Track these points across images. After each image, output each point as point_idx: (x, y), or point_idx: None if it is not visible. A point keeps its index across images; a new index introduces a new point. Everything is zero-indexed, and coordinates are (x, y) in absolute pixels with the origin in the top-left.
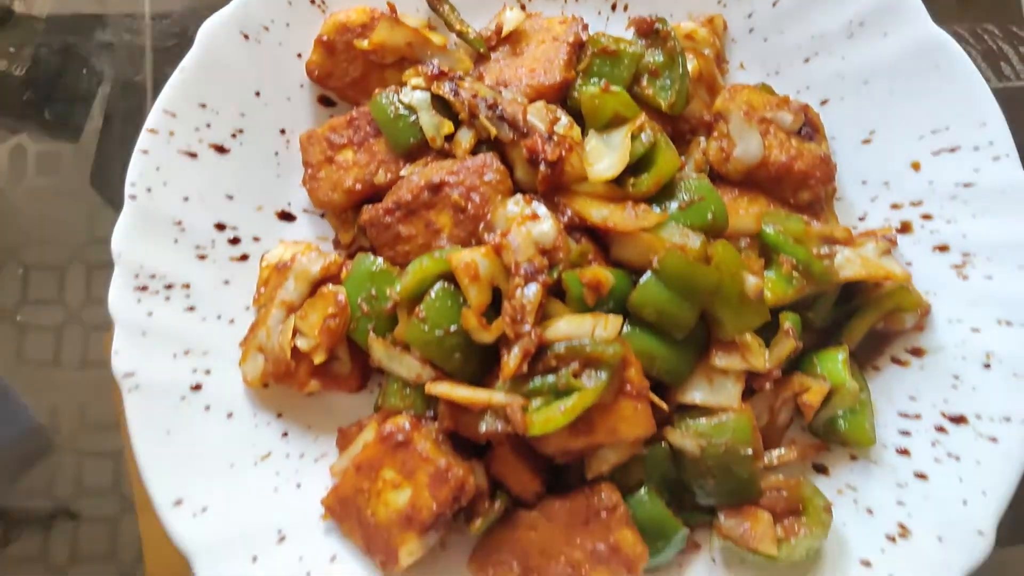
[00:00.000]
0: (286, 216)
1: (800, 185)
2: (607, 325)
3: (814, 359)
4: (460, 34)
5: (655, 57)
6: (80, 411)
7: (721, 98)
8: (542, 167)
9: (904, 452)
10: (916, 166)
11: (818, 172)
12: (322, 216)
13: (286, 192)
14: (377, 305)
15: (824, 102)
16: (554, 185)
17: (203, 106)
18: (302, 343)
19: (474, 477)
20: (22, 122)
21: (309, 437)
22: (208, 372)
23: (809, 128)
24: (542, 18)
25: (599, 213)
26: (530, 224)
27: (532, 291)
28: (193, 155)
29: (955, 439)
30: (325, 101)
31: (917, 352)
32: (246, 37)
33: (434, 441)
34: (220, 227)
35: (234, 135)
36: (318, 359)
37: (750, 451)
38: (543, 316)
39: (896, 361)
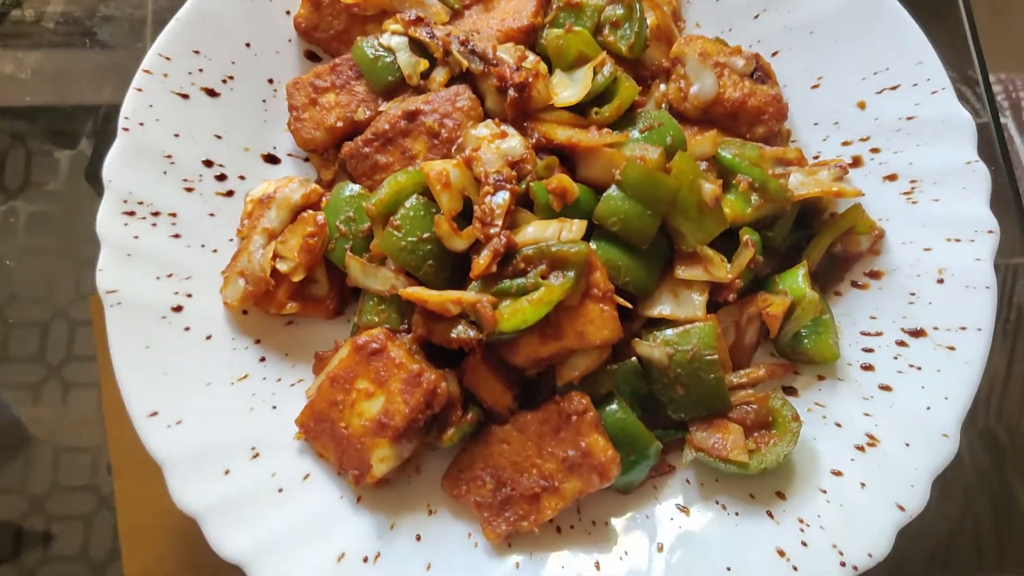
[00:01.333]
0: (271, 159)
1: (754, 121)
2: (572, 228)
3: (776, 279)
4: None
5: (616, 11)
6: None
7: (677, 44)
8: (511, 92)
9: (868, 368)
10: (862, 105)
11: (771, 108)
12: (306, 160)
13: (272, 136)
14: (354, 227)
15: (775, 53)
16: (522, 110)
17: (196, 52)
18: (282, 265)
19: (447, 384)
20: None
21: (287, 363)
22: (190, 296)
23: (761, 73)
24: None
25: (564, 133)
26: (499, 141)
27: (501, 197)
28: (185, 96)
29: (915, 351)
30: (311, 56)
31: (875, 275)
32: None
33: (408, 350)
34: (208, 163)
35: (224, 81)
36: (296, 277)
37: (715, 356)
38: (512, 224)
39: (856, 285)
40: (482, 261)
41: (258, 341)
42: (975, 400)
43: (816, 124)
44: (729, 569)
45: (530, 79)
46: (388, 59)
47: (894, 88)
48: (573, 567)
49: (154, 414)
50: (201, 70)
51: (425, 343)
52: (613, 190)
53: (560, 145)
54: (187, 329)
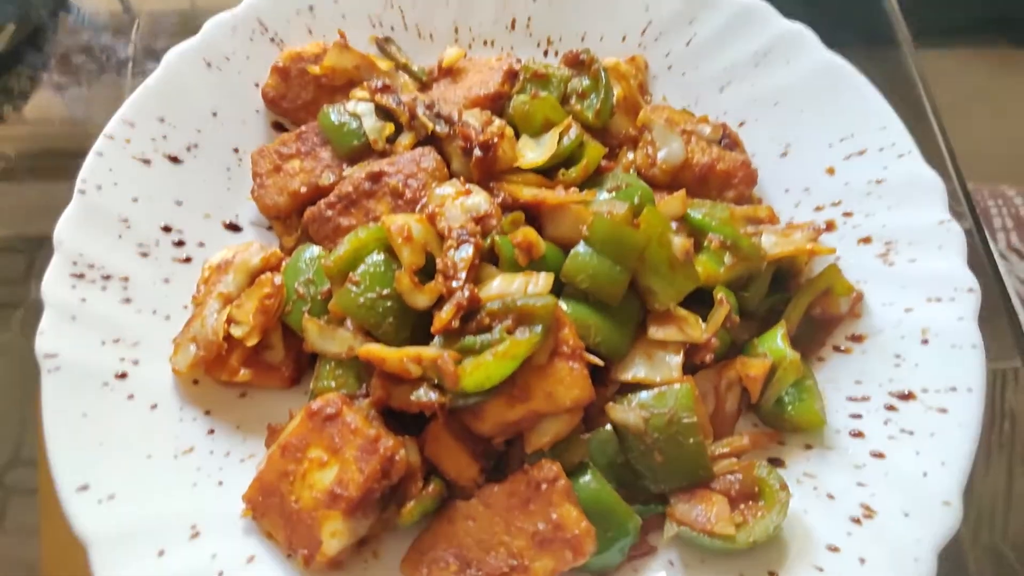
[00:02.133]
0: (233, 227)
1: (724, 186)
2: (539, 281)
3: (755, 342)
4: (404, 67)
5: (582, 82)
6: None
7: (643, 112)
8: (476, 152)
9: (858, 434)
10: (831, 171)
11: (740, 172)
12: (269, 229)
13: (235, 205)
14: (313, 289)
15: (741, 124)
16: (488, 170)
17: (161, 120)
18: (236, 330)
19: (406, 452)
20: None
21: (238, 437)
22: (136, 363)
23: (729, 140)
24: (480, 59)
25: (530, 191)
26: (463, 198)
27: (465, 250)
28: (147, 162)
29: (905, 415)
30: (278, 127)
31: (857, 339)
32: (208, 65)
33: (365, 416)
34: (166, 229)
35: (188, 148)
36: (251, 341)
37: (694, 418)
38: (476, 280)
39: (838, 350)
40: (444, 315)
41: (208, 412)
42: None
43: (787, 191)
44: None
45: (495, 139)
46: (354, 125)
47: (861, 153)
48: None
49: (84, 487)
50: (165, 137)
51: (384, 409)
52: (581, 247)
53: (526, 204)
54: (131, 397)
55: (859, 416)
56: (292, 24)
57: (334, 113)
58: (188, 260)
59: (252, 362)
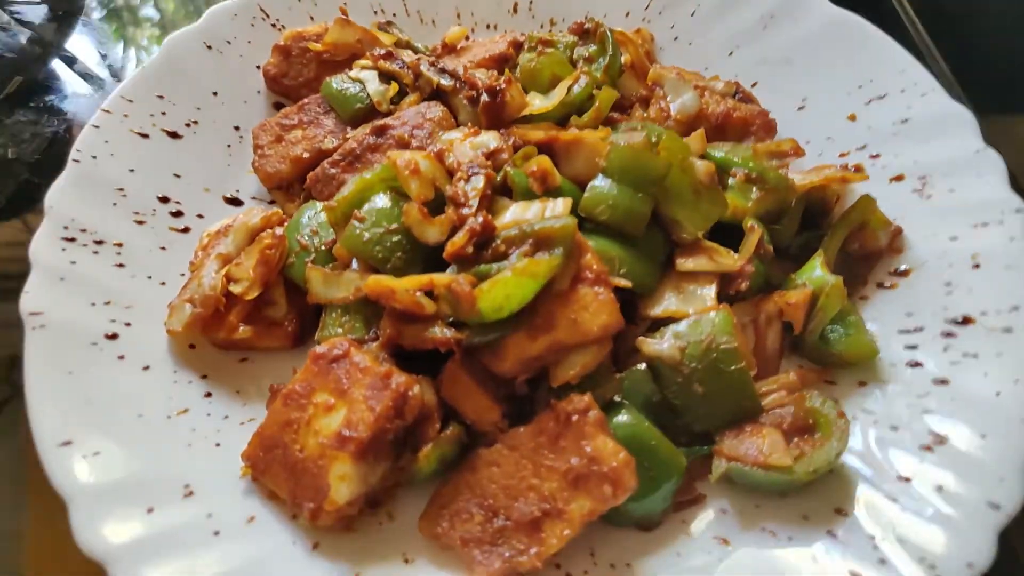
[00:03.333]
0: (233, 201)
1: (743, 134)
2: (556, 206)
3: (792, 277)
4: (407, 44)
5: (588, 48)
6: None
7: (653, 70)
8: (484, 97)
9: (916, 364)
10: (852, 117)
11: (759, 120)
12: (271, 203)
13: (235, 180)
14: (317, 240)
15: (754, 84)
16: (496, 116)
17: (160, 97)
18: (236, 288)
19: (421, 390)
20: None
21: (237, 401)
22: (129, 325)
23: (742, 95)
24: (483, 40)
25: (542, 132)
26: (472, 138)
27: (477, 180)
28: (145, 135)
29: (966, 340)
30: (280, 108)
31: (902, 273)
32: (209, 47)
33: (375, 356)
34: (164, 200)
35: (188, 125)
36: (251, 294)
37: (735, 343)
38: (490, 211)
39: (882, 287)
40: (457, 239)
41: (205, 376)
42: None
43: (808, 142)
44: None
45: (503, 84)
46: (356, 89)
47: (882, 97)
48: None
49: (67, 443)
50: (164, 113)
51: (395, 350)
52: (599, 179)
53: (539, 143)
54: (121, 358)
55: (914, 347)
56: (293, 11)
57: (336, 82)
58: (186, 230)
59: (253, 320)
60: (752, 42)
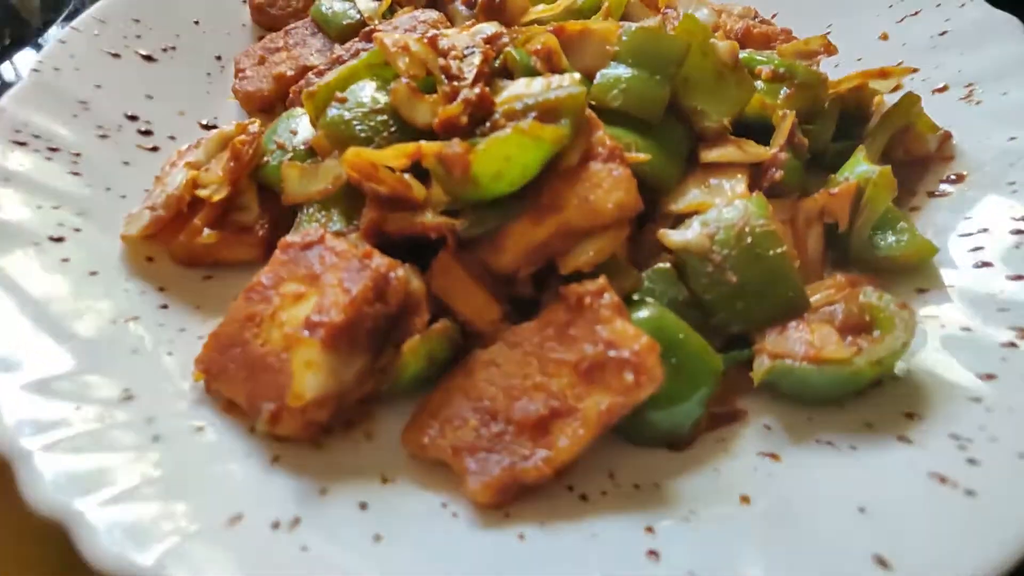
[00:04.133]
0: (211, 127)
1: (765, 48)
2: (564, 80)
3: (832, 177)
4: None
5: None
6: None
7: None
8: None
9: (986, 264)
10: (884, 36)
11: (781, 36)
12: None
13: (214, 108)
14: (296, 139)
15: (774, 16)
16: (495, 18)
17: (136, 21)
18: (203, 192)
19: (406, 275)
20: None
21: (196, 316)
22: (78, 231)
23: (762, 21)
24: None
25: (549, 27)
26: (471, 30)
27: (474, 57)
28: (116, 55)
29: None
30: None
31: (956, 179)
32: None
33: (354, 245)
34: (132, 118)
35: (165, 49)
36: (220, 194)
37: (772, 225)
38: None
39: (933, 195)
40: (451, 107)
41: (162, 289)
42: None
43: (836, 66)
44: (863, 510)
45: None
46: (347, 7)
47: (915, 14)
48: (611, 535)
49: None
50: (139, 36)
51: (379, 240)
52: (611, 65)
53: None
54: (65, 260)
55: (980, 248)
56: None
57: (326, 4)
58: (155, 149)
59: (220, 223)
60: None
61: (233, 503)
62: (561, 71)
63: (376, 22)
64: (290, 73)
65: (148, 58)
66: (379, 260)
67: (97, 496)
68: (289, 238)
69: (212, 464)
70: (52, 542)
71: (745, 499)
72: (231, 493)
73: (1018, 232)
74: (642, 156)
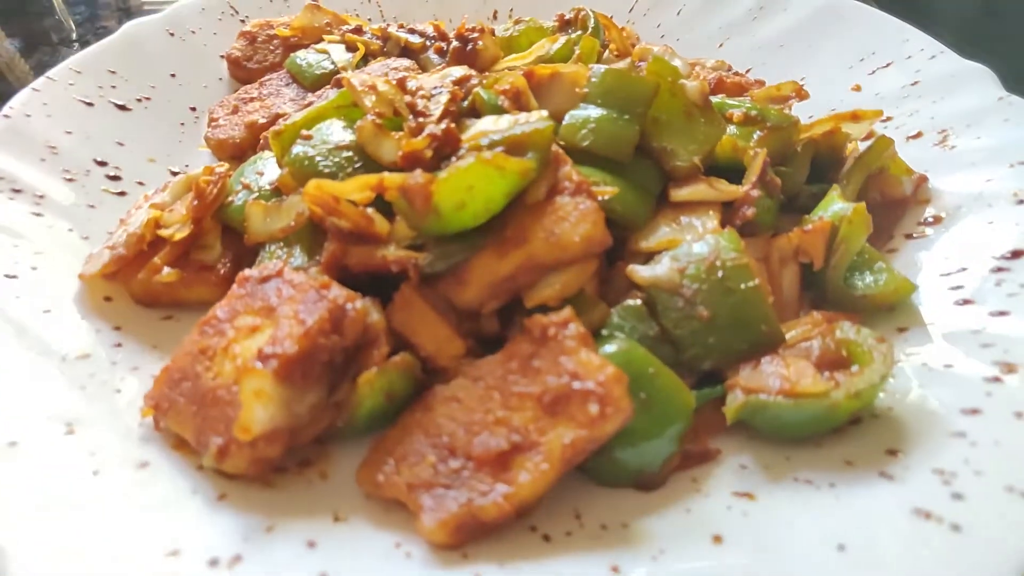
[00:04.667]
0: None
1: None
2: (531, 117)
3: (805, 218)
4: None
5: (571, 35)
6: None
7: (639, 47)
8: (454, 43)
9: (967, 302)
10: (857, 88)
11: (754, 85)
12: None
13: (186, 156)
14: (262, 180)
15: (748, 70)
16: (467, 60)
17: (112, 72)
18: (165, 232)
19: (365, 308)
20: None
21: (153, 355)
22: (34, 268)
23: (736, 74)
24: None
25: (518, 72)
26: (441, 73)
27: (441, 96)
28: (90, 104)
29: (1021, 272)
30: None
31: (934, 221)
32: (171, 34)
33: (312, 276)
34: (101, 163)
35: (139, 100)
36: (182, 233)
37: (745, 260)
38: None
39: (911, 237)
40: (416, 140)
41: (118, 328)
42: None
43: (811, 116)
44: (842, 548)
45: (476, 33)
46: (322, 59)
47: (887, 66)
48: (575, 574)
49: None
50: (114, 87)
51: (340, 275)
52: (580, 107)
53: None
54: (17, 297)
55: (960, 287)
56: (264, 11)
57: (300, 56)
58: (123, 194)
59: (181, 263)
60: (742, 33)
61: (170, 538)
62: (529, 111)
63: (349, 72)
64: (262, 121)
65: (122, 107)
66: (337, 291)
67: (25, 526)
68: (247, 272)
69: (152, 499)
70: None
71: (718, 539)
72: (169, 528)
73: (999, 270)
74: (609, 189)
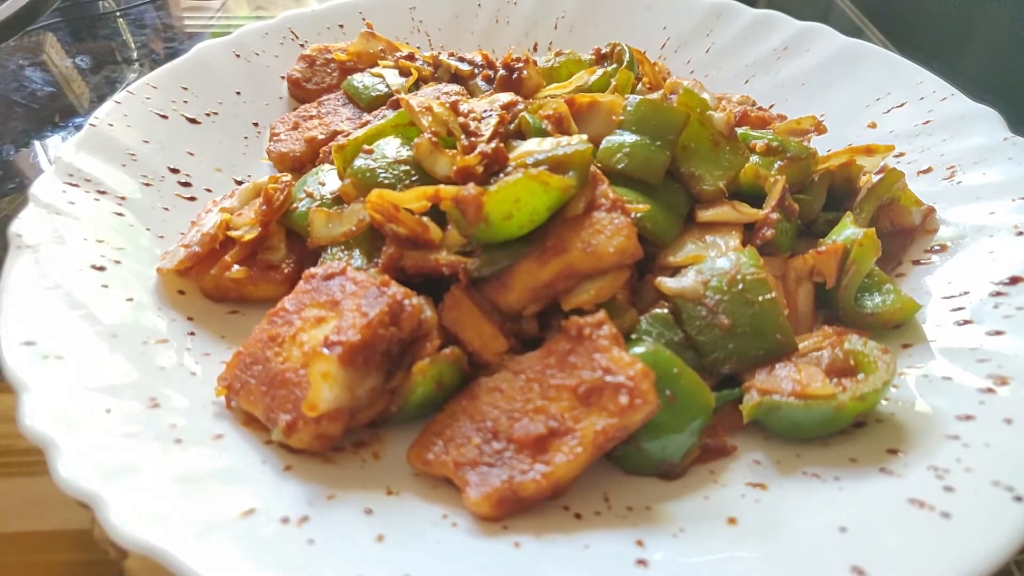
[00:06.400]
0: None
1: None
2: (572, 140)
3: (820, 241)
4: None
5: (607, 67)
6: None
7: (669, 81)
8: (500, 72)
9: (966, 322)
10: (873, 125)
11: (776, 119)
12: None
13: (249, 167)
14: (324, 189)
15: (771, 106)
16: (512, 91)
17: (184, 88)
18: (235, 233)
19: (420, 304)
20: None
21: (221, 344)
22: (118, 263)
23: (760, 109)
24: None
25: (559, 99)
26: (489, 98)
27: (491, 119)
28: (164, 116)
29: (1018, 295)
30: None
31: (940, 249)
32: (237, 56)
33: (372, 275)
34: (174, 170)
35: (208, 114)
36: (251, 234)
37: (763, 274)
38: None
39: (918, 263)
40: (468, 157)
41: (191, 319)
42: None
43: (829, 149)
44: (844, 529)
45: (522, 62)
46: (377, 82)
47: (901, 106)
48: (603, 547)
49: (29, 343)
50: (186, 102)
51: (396, 276)
52: (616, 132)
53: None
54: (104, 287)
55: (961, 308)
56: (322, 37)
57: (357, 78)
58: (193, 199)
59: (249, 263)
60: (767, 72)
61: (245, 499)
62: (570, 135)
63: (403, 94)
64: (321, 136)
65: (192, 120)
66: (396, 288)
67: (120, 484)
68: (313, 270)
69: (228, 466)
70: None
71: (732, 520)
72: (244, 491)
73: (997, 294)
74: (642, 206)
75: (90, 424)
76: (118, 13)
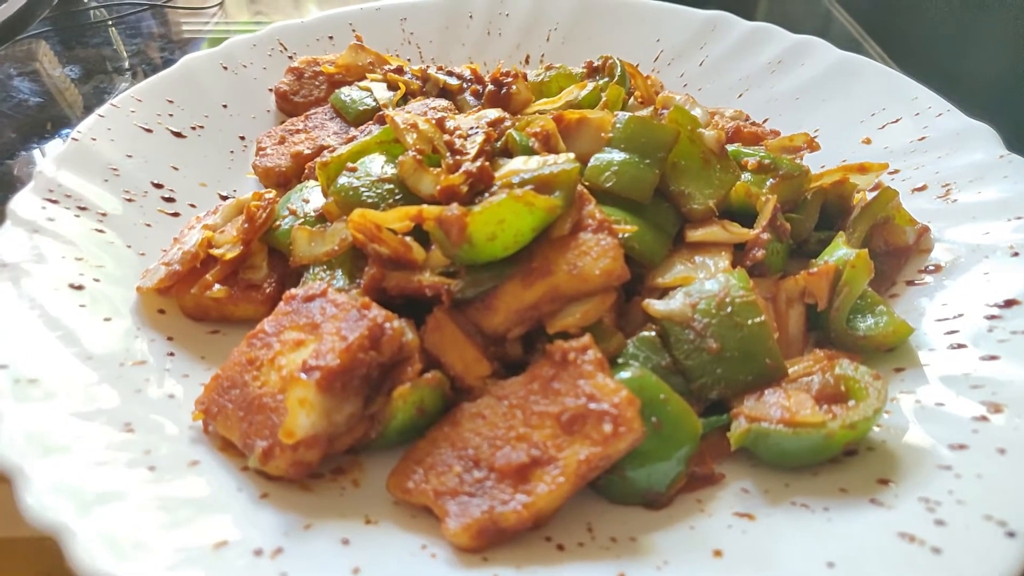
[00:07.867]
0: (229, 199)
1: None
2: (558, 159)
3: (812, 262)
4: (422, 73)
5: (598, 81)
6: None
7: (661, 95)
8: (488, 87)
9: (960, 346)
10: (867, 141)
11: (770, 135)
12: None
13: (234, 182)
14: (307, 207)
15: (765, 120)
16: (501, 107)
17: (170, 101)
18: (216, 251)
19: (401, 327)
20: None
21: (200, 365)
22: (97, 281)
23: (753, 123)
24: None
25: (549, 115)
26: (476, 115)
27: (476, 137)
28: (148, 130)
29: (1013, 319)
30: None
31: (934, 270)
32: (224, 68)
33: (353, 297)
34: (157, 185)
35: (194, 128)
36: (233, 253)
37: (752, 296)
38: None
39: (912, 284)
40: (453, 176)
41: (171, 339)
42: None
43: (823, 166)
44: (832, 565)
45: (510, 78)
46: (365, 96)
47: (896, 121)
48: None
49: (3, 366)
50: (171, 115)
51: (378, 297)
52: (604, 150)
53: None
54: (82, 306)
55: (955, 331)
56: (311, 49)
57: (345, 92)
58: (176, 215)
59: (230, 282)
60: (760, 85)
61: (219, 530)
62: (557, 153)
63: (390, 109)
64: (307, 151)
65: (177, 134)
66: (376, 311)
67: (88, 513)
68: (293, 291)
69: (203, 495)
70: None
71: (718, 552)
72: (218, 520)
73: (992, 317)
74: (629, 227)
75: (60, 451)
76: (110, 22)
